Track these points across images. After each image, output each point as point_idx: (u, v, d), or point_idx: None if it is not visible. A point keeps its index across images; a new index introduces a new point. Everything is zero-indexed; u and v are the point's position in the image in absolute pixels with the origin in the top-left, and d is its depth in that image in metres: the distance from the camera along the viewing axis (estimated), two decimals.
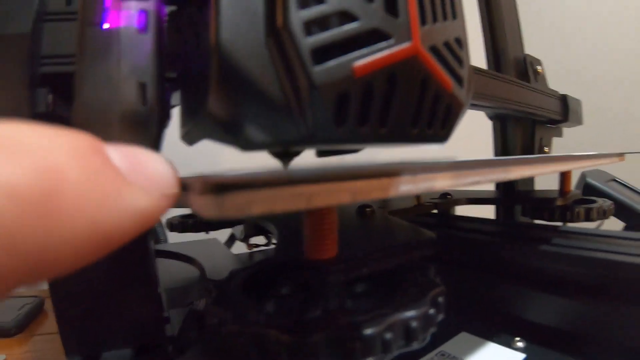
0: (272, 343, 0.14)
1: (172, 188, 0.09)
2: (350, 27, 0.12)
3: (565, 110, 0.38)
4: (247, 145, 0.13)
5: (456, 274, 0.28)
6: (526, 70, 0.38)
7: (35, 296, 0.44)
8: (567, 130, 0.44)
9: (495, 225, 0.28)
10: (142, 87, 0.14)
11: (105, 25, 0.15)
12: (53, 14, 0.19)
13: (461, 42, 0.16)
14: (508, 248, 0.26)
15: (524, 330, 0.24)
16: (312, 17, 0.12)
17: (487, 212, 0.37)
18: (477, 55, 0.41)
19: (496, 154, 0.40)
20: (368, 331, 0.14)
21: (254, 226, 0.37)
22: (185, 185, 0.10)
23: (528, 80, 0.37)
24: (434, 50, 0.14)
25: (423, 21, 0.14)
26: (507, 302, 0.26)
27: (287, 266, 0.18)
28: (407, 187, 0.12)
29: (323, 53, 0.12)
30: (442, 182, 0.13)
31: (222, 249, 0.37)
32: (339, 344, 0.13)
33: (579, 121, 0.41)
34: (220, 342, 0.15)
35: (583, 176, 0.43)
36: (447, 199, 0.33)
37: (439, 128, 0.15)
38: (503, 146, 0.38)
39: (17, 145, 0.07)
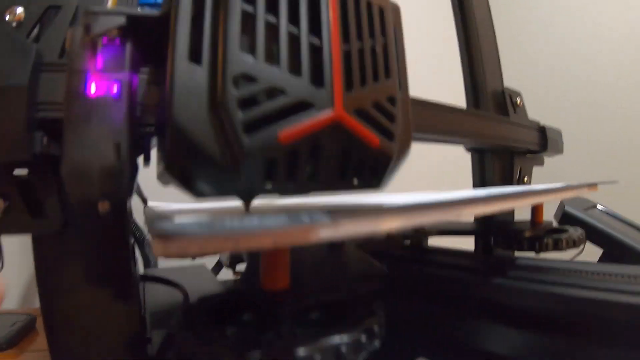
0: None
1: None
2: (277, 101, 0.15)
3: (544, 141, 0.40)
4: (199, 194, 0.16)
5: (421, 306, 0.29)
6: (505, 102, 0.39)
7: (28, 314, 0.45)
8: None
9: (460, 258, 0.30)
10: (117, 146, 0.17)
11: (87, 94, 0.18)
12: (48, 64, 0.22)
13: (394, 99, 0.18)
14: (467, 281, 0.27)
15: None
16: (245, 94, 0.14)
17: (470, 242, 0.39)
18: (458, 89, 0.43)
19: (474, 185, 0.41)
20: (300, 352, 0.16)
21: (238, 254, 0.39)
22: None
23: (507, 113, 0.39)
24: (360, 112, 0.16)
25: (349, 87, 0.16)
26: (465, 333, 0.27)
27: (245, 294, 0.20)
28: (327, 233, 0.14)
29: (255, 124, 0.14)
30: (365, 227, 0.15)
31: (208, 275, 0.40)
32: None
33: (559, 151, 0.42)
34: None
35: (562, 205, 0.44)
36: (419, 232, 0.34)
37: (369, 178, 0.17)
38: (481, 178, 0.40)
39: None
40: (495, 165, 0.39)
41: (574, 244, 0.32)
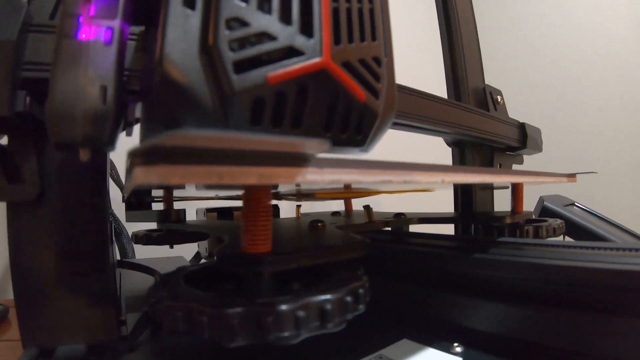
0: (196, 316, 0.16)
1: None
2: (267, 45, 0.15)
3: (523, 138, 0.41)
4: None
5: (402, 287, 0.29)
6: (486, 99, 0.40)
7: (1, 304, 0.44)
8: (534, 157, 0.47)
9: (439, 240, 0.30)
10: (104, 89, 0.17)
11: (78, 38, 0.18)
12: (36, 25, 0.22)
13: (380, 60, 0.19)
14: (447, 259, 0.27)
15: (463, 337, 0.26)
16: (237, 36, 0.14)
17: (448, 231, 0.39)
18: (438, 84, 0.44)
19: None
20: (281, 308, 0.15)
21: (217, 243, 0.39)
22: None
23: (487, 110, 0.40)
24: (347, 65, 0.16)
25: (337, 41, 0.16)
26: (447, 311, 0.27)
27: (224, 260, 0.20)
28: (313, 176, 0.14)
29: (244, 64, 0.14)
30: (348, 177, 0.15)
31: (185, 265, 0.39)
32: (253, 318, 0.15)
33: (538, 148, 0.43)
34: (158, 319, 0.17)
35: (541, 200, 0.45)
36: (400, 218, 0.35)
37: (353, 134, 0.17)
38: None
39: None
40: (475, 160, 0.40)
41: (553, 232, 0.33)
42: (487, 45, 0.45)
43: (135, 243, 0.38)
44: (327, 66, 0.15)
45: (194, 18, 0.15)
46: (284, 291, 0.20)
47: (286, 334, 0.16)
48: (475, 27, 0.43)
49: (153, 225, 0.39)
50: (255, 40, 0.15)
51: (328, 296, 0.17)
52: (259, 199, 0.18)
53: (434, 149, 0.49)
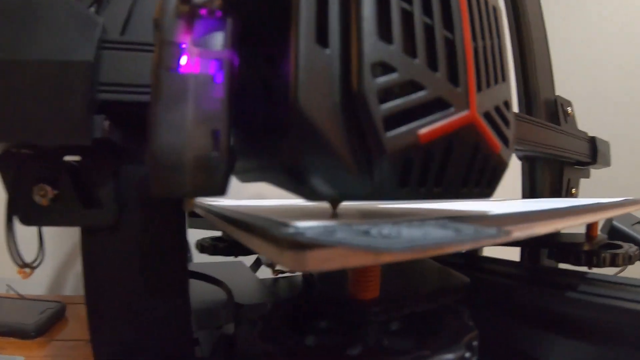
0: None
1: None
2: (418, 95, 0.13)
3: (594, 153, 0.39)
4: (310, 195, 0.14)
5: (479, 315, 0.28)
6: (557, 111, 0.38)
7: (58, 301, 0.44)
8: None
9: (520, 269, 0.29)
10: (215, 133, 0.15)
11: (181, 71, 0.16)
12: (112, 42, 0.20)
13: (508, 103, 0.17)
14: (531, 293, 0.26)
15: None
16: (384, 85, 0.13)
17: (512, 253, 0.38)
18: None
19: (524, 195, 0.40)
20: None
21: None
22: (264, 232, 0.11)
23: (558, 122, 0.38)
24: (487, 115, 0.15)
25: (479, 88, 0.15)
26: (526, 344, 0.26)
27: (328, 303, 0.19)
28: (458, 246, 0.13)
29: (391, 120, 0.13)
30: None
31: (248, 272, 0.38)
32: None
33: (607, 163, 0.41)
34: None
35: (609, 219, 0.43)
36: None
37: (485, 187, 0.16)
38: (531, 187, 0.39)
39: None
40: (545, 175, 0.38)
41: (629, 260, 0.31)
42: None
43: (201, 252, 0.37)
44: (474, 120, 0.14)
45: (330, 57, 0.13)
46: (388, 334, 0.19)
47: None
48: (546, 35, 0.40)
49: (216, 232, 0.38)
50: (402, 90, 0.13)
51: (451, 356, 0.16)
52: None
53: None
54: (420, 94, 0.13)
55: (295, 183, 0.14)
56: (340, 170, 0.13)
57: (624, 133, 1.00)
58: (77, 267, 0.66)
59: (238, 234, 0.15)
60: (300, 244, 0.10)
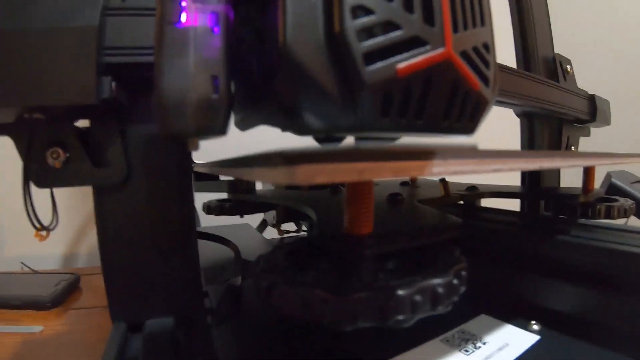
0: (317, 302, 0.16)
1: None
2: (395, 34, 0.14)
3: (593, 110, 0.39)
4: (302, 130, 0.16)
5: (478, 262, 0.29)
6: (555, 69, 0.39)
7: (72, 273, 0.46)
8: (596, 130, 0.45)
9: (517, 217, 0.30)
10: (214, 78, 0.17)
11: (182, 24, 0.17)
12: (114, 9, 0.22)
13: (488, 46, 0.18)
14: (528, 238, 0.27)
15: (540, 315, 0.26)
16: (363, 25, 0.14)
17: (513, 206, 0.39)
18: (508, 55, 0.43)
19: None
20: (401, 292, 0.16)
21: (285, 212, 0.40)
22: (261, 160, 0.12)
23: (557, 80, 0.38)
24: (464, 54, 0.16)
25: (455, 29, 0.16)
26: (524, 289, 0.28)
27: (326, 240, 0.20)
28: (439, 169, 0.14)
29: (371, 56, 0.14)
30: (467, 168, 0.15)
31: (254, 233, 0.40)
32: (375, 302, 0.16)
33: (606, 121, 0.42)
34: (269, 305, 0.18)
35: (608, 176, 0.44)
36: (473, 192, 0.35)
37: (467, 122, 0.17)
38: (530, 144, 0.40)
39: None
40: (544, 132, 0.39)
41: (624, 213, 0.32)
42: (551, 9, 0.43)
43: (207, 213, 0.39)
44: (450, 56, 0.15)
45: (316, 3, 0.14)
46: (383, 269, 0.20)
47: (403, 317, 0.16)
48: None
49: (222, 194, 0.40)
50: (380, 29, 0.14)
51: (440, 280, 0.17)
52: (363, 182, 0.18)
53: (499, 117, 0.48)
54: (397, 32, 0.14)
55: (289, 119, 0.16)
56: (327, 103, 0.15)
57: (624, 91, 0.98)
58: (89, 242, 0.69)
59: (240, 171, 0.17)
60: (290, 159, 0.11)
